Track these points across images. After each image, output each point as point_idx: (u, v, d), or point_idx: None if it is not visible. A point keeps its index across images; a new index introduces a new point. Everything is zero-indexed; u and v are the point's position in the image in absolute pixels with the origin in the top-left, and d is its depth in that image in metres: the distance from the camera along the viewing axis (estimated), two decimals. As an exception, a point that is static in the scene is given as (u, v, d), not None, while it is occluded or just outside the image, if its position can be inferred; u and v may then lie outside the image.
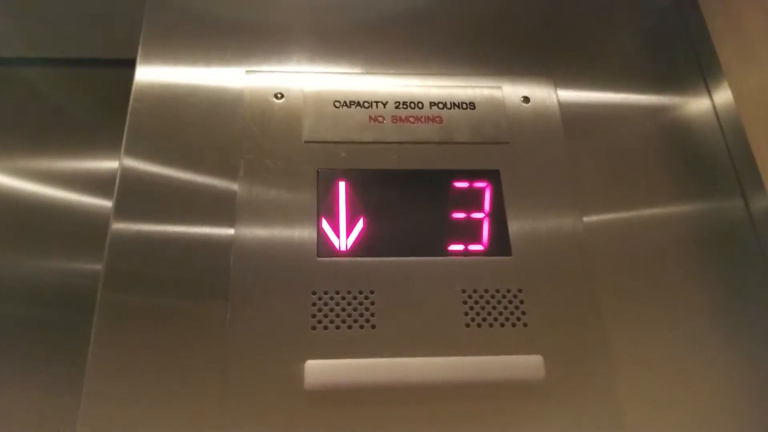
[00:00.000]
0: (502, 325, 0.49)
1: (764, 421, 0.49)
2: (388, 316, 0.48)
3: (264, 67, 0.58)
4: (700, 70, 0.63)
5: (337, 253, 0.50)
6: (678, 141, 0.60)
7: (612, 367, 0.49)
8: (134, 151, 0.53)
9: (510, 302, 0.50)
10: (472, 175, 0.54)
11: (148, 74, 0.56)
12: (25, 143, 0.65)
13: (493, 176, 0.54)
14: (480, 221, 0.53)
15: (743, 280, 0.54)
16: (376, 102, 0.57)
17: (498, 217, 0.53)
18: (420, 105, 0.57)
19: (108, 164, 0.64)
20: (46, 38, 0.69)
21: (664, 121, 0.61)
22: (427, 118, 0.57)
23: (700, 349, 0.51)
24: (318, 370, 0.45)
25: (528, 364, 0.47)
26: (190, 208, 0.51)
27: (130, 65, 0.56)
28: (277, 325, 0.47)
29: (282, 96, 0.56)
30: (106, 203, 0.62)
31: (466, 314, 0.49)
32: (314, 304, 0.48)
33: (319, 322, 0.47)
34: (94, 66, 0.69)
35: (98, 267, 0.48)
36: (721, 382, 0.50)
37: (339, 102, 0.56)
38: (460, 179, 0.54)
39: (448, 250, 0.51)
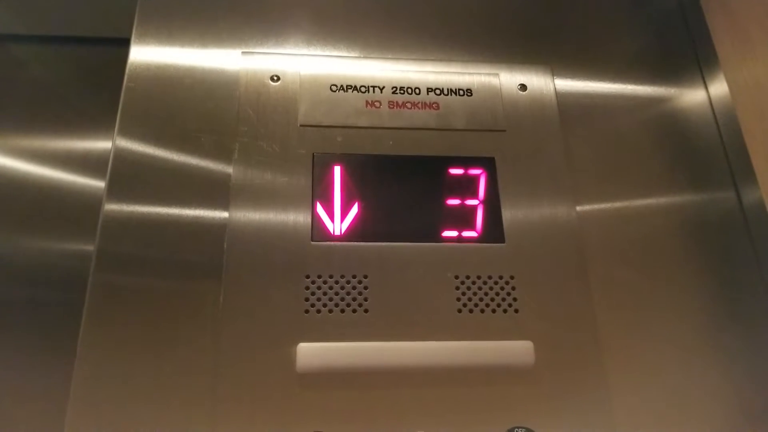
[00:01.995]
0: (494, 311, 0.49)
1: (749, 393, 0.50)
2: (380, 300, 0.48)
3: (260, 49, 0.57)
4: (697, 62, 0.63)
5: (332, 237, 0.50)
6: (673, 132, 0.60)
7: (601, 354, 0.49)
8: (128, 132, 0.52)
9: (502, 288, 0.50)
10: (467, 162, 0.54)
11: (143, 54, 0.55)
12: (17, 122, 0.65)
13: (488, 164, 0.54)
14: (474, 208, 0.53)
15: (733, 270, 0.55)
16: (373, 87, 0.56)
17: (492, 205, 0.53)
18: (417, 91, 0.57)
19: (102, 144, 0.64)
20: (39, 15, 0.68)
21: (659, 111, 0.61)
22: (424, 104, 0.56)
23: (688, 336, 0.52)
24: (310, 352, 0.46)
25: (518, 350, 0.47)
26: (184, 190, 0.51)
27: (125, 44, 0.56)
28: (270, 308, 0.47)
29: (278, 79, 0.56)
30: (100, 184, 0.61)
31: (459, 300, 0.49)
32: (308, 288, 0.48)
33: (312, 305, 0.48)
34: (87, 44, 0.68)
35: (91, 248, 0.48)
36: (709, 365, 0.51)
37: (336, 86, 0.56)
38: (455, 166, 0.54)
39: (441, 236, 0.51)
